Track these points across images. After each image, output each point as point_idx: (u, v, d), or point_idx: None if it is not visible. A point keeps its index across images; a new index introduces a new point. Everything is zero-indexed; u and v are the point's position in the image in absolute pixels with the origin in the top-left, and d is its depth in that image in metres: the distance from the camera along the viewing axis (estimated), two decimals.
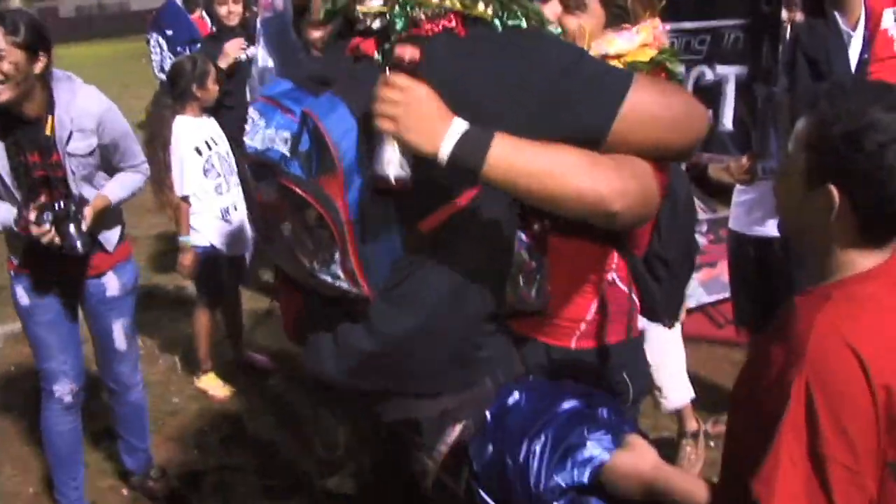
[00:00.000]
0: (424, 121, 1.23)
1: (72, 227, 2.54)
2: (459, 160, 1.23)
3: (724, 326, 4.04)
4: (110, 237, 2.78)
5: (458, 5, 1.30)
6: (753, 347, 1.41)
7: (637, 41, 1.69)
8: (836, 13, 2.81)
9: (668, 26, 1.81)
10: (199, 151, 3.65)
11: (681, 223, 1.82)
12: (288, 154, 1.31)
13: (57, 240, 2.52)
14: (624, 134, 1.28)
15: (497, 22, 1.31)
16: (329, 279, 1.34)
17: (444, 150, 1.23)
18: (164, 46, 10.05)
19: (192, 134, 3.66)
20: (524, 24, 1.32)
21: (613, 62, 1.63)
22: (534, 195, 1.28)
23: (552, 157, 1.25)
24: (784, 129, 2.68)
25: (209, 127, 3.76)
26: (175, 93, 3.67)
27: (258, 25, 3.92)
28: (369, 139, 1.27)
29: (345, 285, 1.34)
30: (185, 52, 9.88)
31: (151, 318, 4.46)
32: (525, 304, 1.53)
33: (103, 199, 2.67)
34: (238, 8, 4.57)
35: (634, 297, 1.77)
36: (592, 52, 1.58)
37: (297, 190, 1.29)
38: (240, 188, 3.81)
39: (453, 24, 1.30)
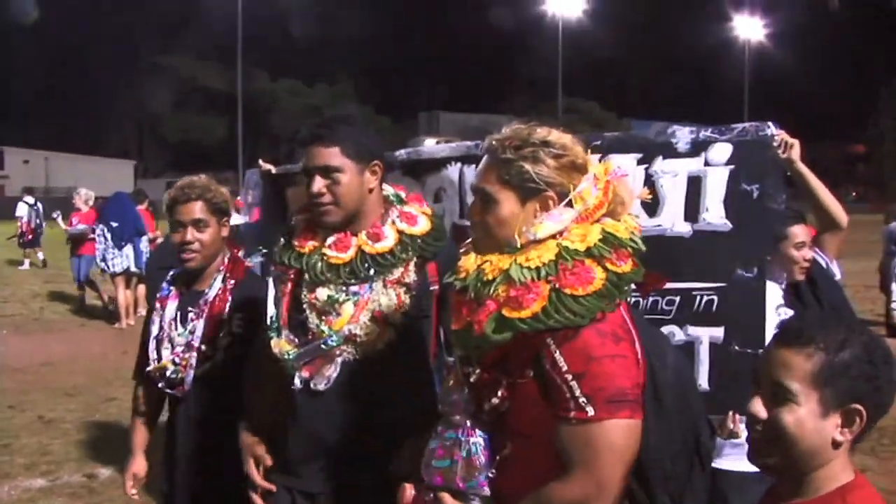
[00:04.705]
0: None
1: None
2: None
3: None
4: None
5: None
6: None
7: (567, 218, 1.51)
8: (825, 256, 2.93)
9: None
10: None
11: (670, 414, 1.56)
12: None
13: None
14: None
15: None
16: None
17: None
18: (109, 238, 9.80)
19: None
20: None
21: (546, 245, 1.51)
22: None
23: None
24: None
25: None
26: None
27: None
28: None
29: None
30: (128, 245, 9.76)
31: None
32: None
33: None
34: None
35: None
36: (521, 241, 1.52)
37: None
38: None
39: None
